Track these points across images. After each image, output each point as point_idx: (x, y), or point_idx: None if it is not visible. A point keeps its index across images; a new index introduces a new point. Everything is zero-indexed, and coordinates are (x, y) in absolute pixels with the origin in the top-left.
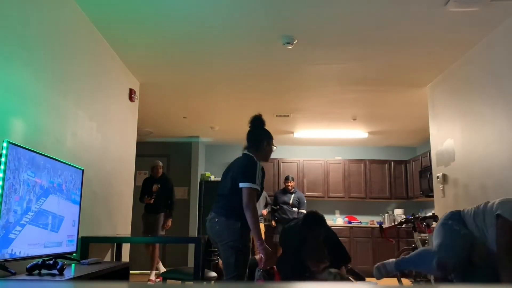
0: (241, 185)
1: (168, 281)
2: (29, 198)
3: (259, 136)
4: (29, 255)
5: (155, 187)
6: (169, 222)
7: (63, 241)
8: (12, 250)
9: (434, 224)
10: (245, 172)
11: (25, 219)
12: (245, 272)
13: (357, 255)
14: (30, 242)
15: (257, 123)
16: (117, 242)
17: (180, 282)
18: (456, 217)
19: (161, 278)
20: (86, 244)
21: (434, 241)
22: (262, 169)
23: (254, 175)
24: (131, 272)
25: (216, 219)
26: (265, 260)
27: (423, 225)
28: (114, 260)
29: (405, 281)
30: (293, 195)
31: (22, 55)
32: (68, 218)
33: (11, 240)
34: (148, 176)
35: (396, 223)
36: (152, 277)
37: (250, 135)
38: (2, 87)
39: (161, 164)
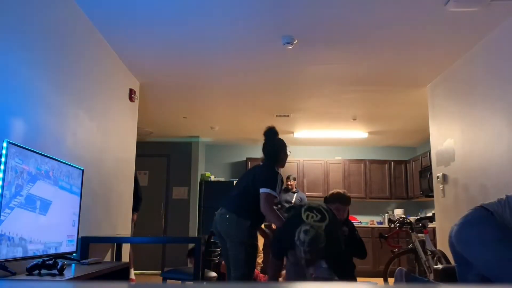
0: (261, 190)
1: (168, 281)
2: (18, 183)
3: (275, 147)
4: (19, 236)
5: None
6: (135, 217)
7: (63, 241)
8: (2, 230)
9: (430, 225)
10: (267, 180)
11: (14, 203)
12: (254, 268)
13: None
14: (19, 224)
15: (270, 134)
16: (117, 242)
17: (180, 282)
18: (497, 224)
19: None
20: (86, 244)
21: (491, 271)
22: (282, 180)
23: (275, 185)
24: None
25: (227, 215)
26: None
27: (419, 226)
28: (114, 260)
29: None
30: (295, 194)
31: (22, 55)
32: (55, 203)
33: (1, 221)
34: None
35: (392, 226)
36: (133, 276)
37: (266, 147)
38: (2, 87)
39: None
